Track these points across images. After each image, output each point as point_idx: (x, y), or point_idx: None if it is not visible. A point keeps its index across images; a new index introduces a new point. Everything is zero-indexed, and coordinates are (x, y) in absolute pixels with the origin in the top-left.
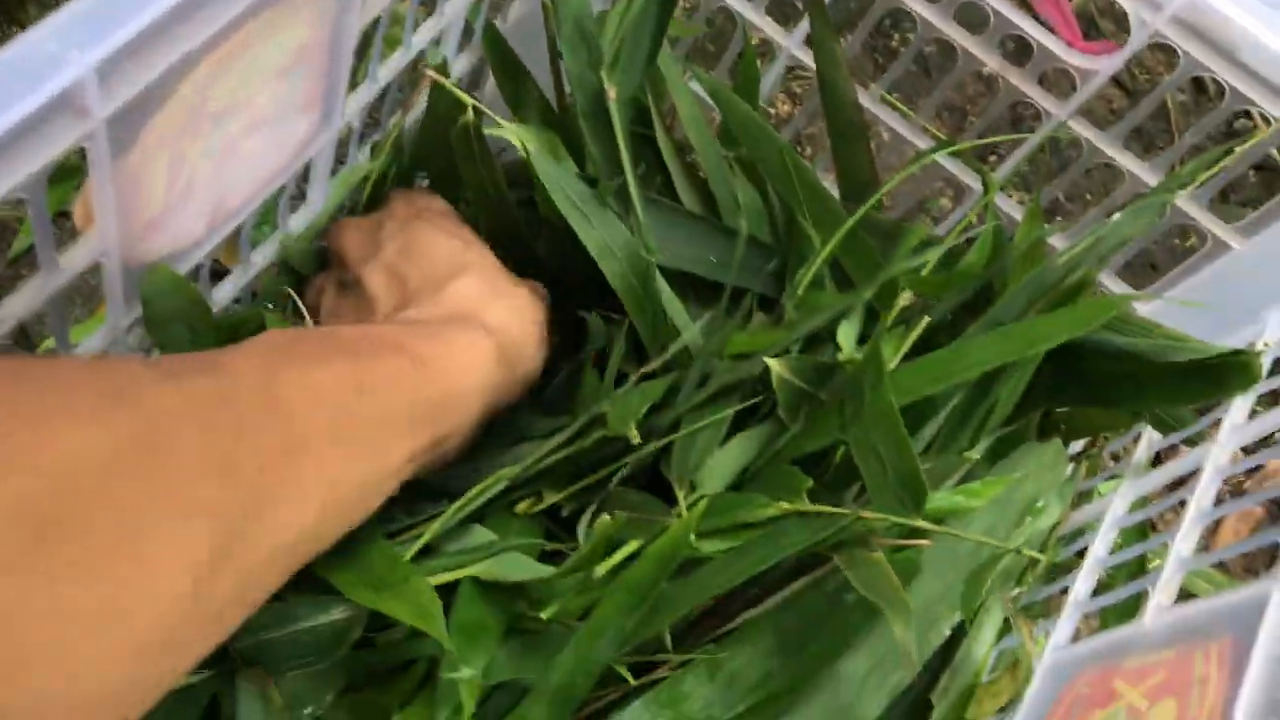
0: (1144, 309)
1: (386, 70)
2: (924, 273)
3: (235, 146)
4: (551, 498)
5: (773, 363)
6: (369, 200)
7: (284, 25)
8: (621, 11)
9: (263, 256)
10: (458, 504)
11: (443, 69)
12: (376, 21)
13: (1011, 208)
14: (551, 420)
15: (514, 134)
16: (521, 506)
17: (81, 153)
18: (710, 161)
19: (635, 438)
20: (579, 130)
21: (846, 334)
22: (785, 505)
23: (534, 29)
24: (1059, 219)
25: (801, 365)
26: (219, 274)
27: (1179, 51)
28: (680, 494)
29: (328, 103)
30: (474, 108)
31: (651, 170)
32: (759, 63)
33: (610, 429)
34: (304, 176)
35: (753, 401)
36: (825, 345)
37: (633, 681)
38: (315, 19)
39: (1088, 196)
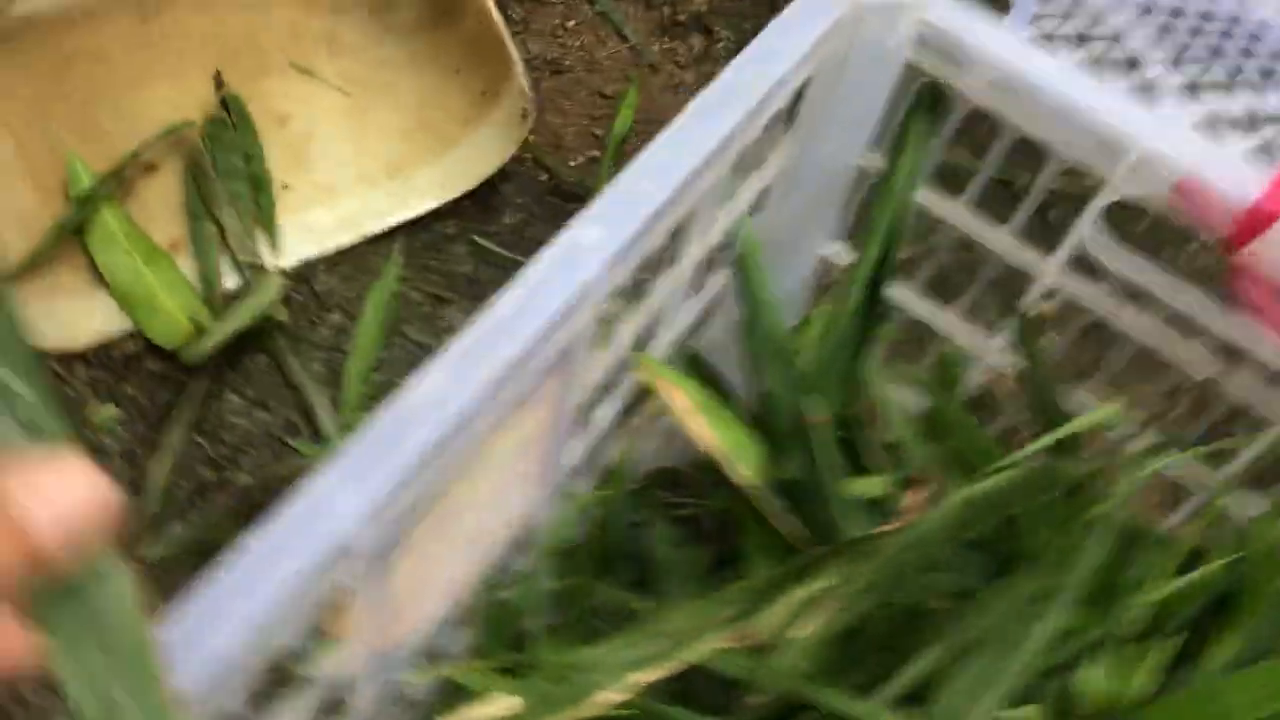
0: None
1: (604, 415)
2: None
3: (466, 531)
4: None
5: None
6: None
7: (516, 426)
8: (822, 330)
9: None
10: None
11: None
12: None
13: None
14: None
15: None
16: None
17: None
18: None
19: None
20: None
21: (1092, 677)
22: None
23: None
24: None
25: (1051, 711)
26: None
27: None
28: None
29: (547, 475)
30: None
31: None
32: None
33: None
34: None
35: None
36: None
37: None
38: (543, 413)
39: None
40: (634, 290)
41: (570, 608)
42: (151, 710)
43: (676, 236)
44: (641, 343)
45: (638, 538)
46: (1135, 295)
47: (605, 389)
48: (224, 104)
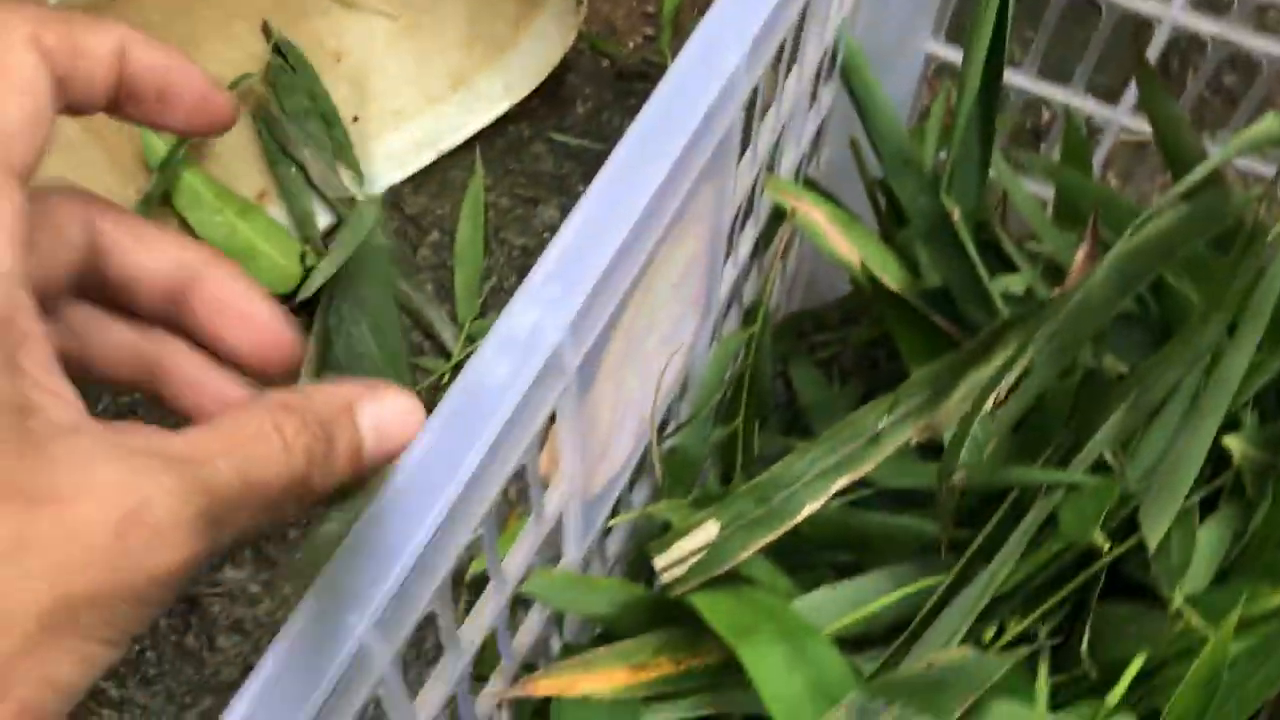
0: None
1: (746, 245)
2: None
3: (650, 359)
4: (1016, 625)
5: (1232, 441)
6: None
7: (681, 240)
8: (937, 127)
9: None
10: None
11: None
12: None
13: None
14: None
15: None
16: (987, 636)
17: None
18: (1061, 245)
19: (1105, 547)
20: (915, 255)
21: None
22: None
23: (845, 166)
24: None
25: (1261, 436)
26: None
27: None
28: (1176, 596)
29: (709, 297)
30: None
31: (997, 276)
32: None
33: (1066, 535)
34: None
35: (1214, 486)
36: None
37: None
38: (702, 227)
39: None
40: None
41: (731, 455)
42: None
43: (799, 34)
44: (772, 163)
45: (784, 383)
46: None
47: (747, 212)
48: (277, 51)
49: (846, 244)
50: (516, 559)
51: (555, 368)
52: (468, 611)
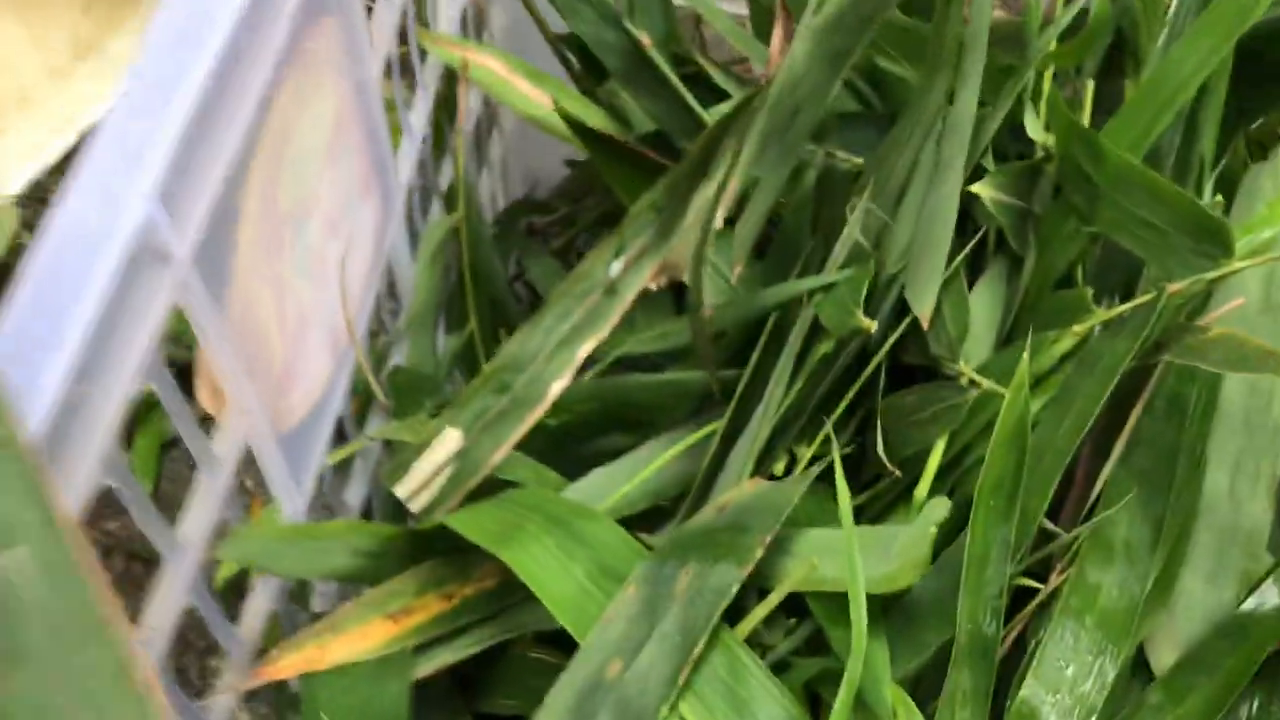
0: None
1: (418, 118)
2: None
3: (323, 258)
4: (806, 450)
5: (980, 188)
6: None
7: (311, 96)
8: None
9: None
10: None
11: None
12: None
13: None
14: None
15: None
16: (778, 470)
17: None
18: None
19: (870, 326)
20: (622, 111)
21: (1031, 122)
22: (1077, 329)
23: (523, 29)
24: None
25: (1007, 178)
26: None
27: None
28: (962, 366)
29: (383, 177)
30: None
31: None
32: None
33: (830, 330)
34: (388, 276)
35: (975, 243)
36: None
37: (1041, 587)
38: (338, 78)
39: None
40: None
41: (474, 366)
42: None
43: None
44: (425, 19)
45: (526, 287)
46: None
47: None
48: None
49: (536, 92)
50: (196, 523)
51: (154, 255)
52: None
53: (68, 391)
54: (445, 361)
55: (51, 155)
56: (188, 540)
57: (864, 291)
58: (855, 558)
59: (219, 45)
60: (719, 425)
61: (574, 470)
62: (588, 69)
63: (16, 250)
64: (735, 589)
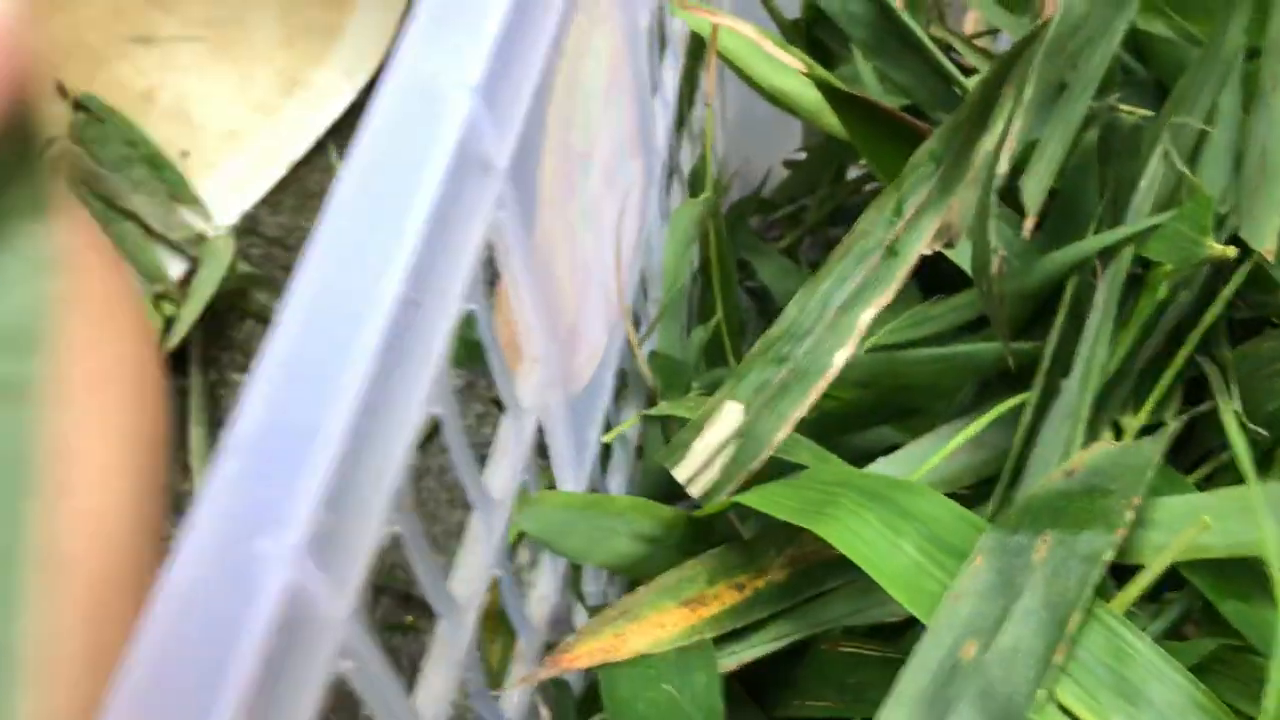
0: None
1: (669, 86)
2: None
3: (599, 212)
4: (1133, 420)
5: None
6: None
7: (596, 26)
8: None
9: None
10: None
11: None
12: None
13: None
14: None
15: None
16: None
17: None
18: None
19: (1231, 252)
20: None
21: None
22: None
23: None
24: None
25: None
26: None
27: None
28: None
29: (643, 134)
30: None
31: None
32: None
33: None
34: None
35: None
36: None
37: None
38: (613, 13)
39: None
40: None
41: (720, 360)
42: None
43: None
44: None
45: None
46: None
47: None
48: (78, 107)
49: (789, 57)
50: (498, 478)
51: (476, 159)
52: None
53: (403, 301)
54: (694, 352)
55: (261, 188)
56: (492, 493)
57: (1210, 218)
58: (1267, 519)
59: None
60: (1030, 396)
61: (851, 462)
62: (816, 53)
63: (235, 278)
64: (1109, 556)
